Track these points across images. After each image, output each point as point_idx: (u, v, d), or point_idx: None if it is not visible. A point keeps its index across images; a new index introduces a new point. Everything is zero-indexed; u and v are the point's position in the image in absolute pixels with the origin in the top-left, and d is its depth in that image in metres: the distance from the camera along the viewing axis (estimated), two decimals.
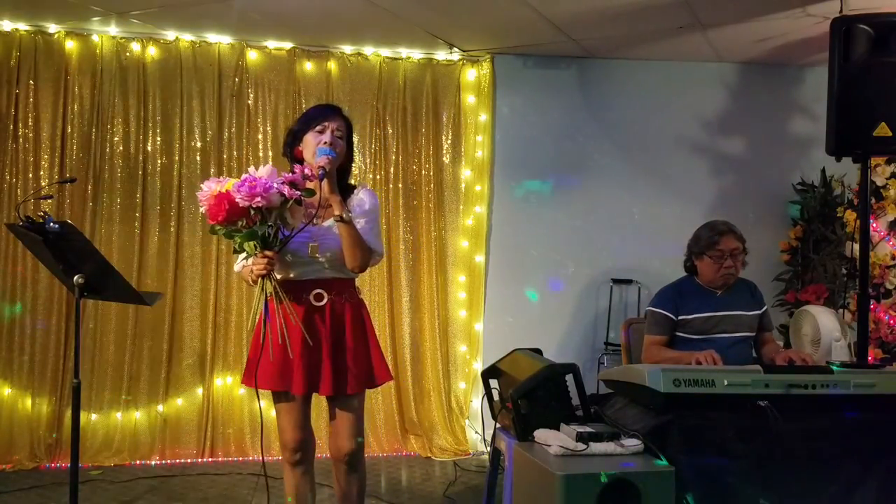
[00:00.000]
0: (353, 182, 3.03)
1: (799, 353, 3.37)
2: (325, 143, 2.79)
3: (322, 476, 4.14)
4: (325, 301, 2.80)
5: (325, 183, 2.74)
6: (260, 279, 2.66)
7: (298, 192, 2.62)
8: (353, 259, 2.78)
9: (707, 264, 3.50)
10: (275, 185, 2.57)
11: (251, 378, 2.77)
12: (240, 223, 2.59)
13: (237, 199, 2.53)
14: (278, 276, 2.77)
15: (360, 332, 2.86)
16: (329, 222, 2.81)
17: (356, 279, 2.95)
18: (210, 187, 2.62)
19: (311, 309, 2.79)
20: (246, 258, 2.74)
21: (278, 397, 2.86)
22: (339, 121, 2.88)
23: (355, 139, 4.97)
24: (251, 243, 2.61)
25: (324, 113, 2.90)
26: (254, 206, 2.54)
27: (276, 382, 2.79)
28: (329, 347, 2.78)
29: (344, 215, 2.74)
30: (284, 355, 2.74)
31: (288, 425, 2.85)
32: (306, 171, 2.70)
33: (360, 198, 2.88)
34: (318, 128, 2.83)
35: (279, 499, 4.10)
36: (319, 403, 3.07)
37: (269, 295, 2.67)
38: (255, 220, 2.58)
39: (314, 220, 2.77)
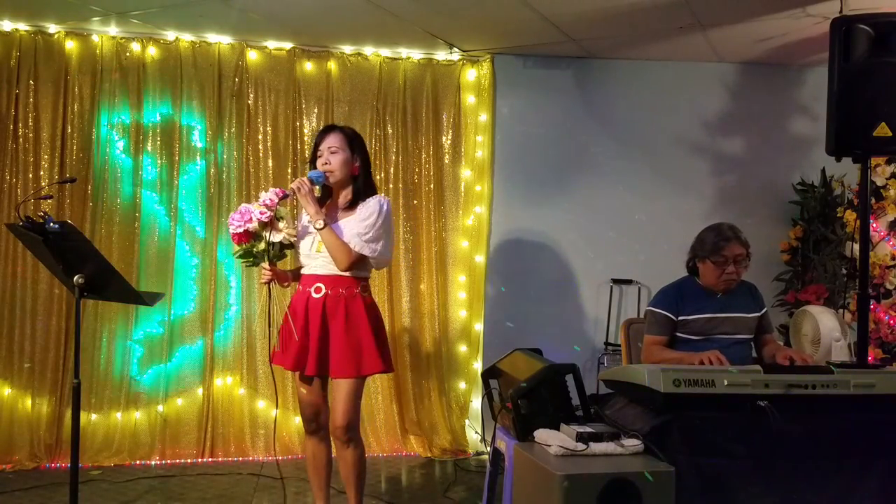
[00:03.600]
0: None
1: (800, 352, 3.37)
2: (320, 166, 3.26)
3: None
4: (322, 294, 3.20)
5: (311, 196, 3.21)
6: (266, 286, 3.23)
7: (271, 213, 3.11)
8: (335, 260, 3.18)
9: (709, 269, 3.49)
10: (252, 211, 3.08)
11: (275, 360, 3.35)
12: (243, 244, 3.14)
13: (230, 229, 3.11)
14: (302, 271, 3.31)
15: (352, 325, 3.20)
16: (341, 223, 3.23)
17: (360, 277, 3.28)
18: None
19: (311, 300, 3.22)
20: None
21: (297, 376, 3.34)
22: (330, 137, 3.27)
23: None
24: (249, 258, 3.15)
25: (320, 136, 3.31)
26: (236, 232, 3.09)
27: (286, 364, 3.28)
28: (317, 335, 3.18)
29: (315, 224, 3.16)
30: (292, 342, 3.23)
31: (304, 399, 3.34)
32: (280, 193, 3.16)
33: (368, 205, 3.23)
34: (317, 153, 3.28)
35: (278, 499, 4.11)
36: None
37: (270, 301, 3.24)
38: (251, 240, 3.12)
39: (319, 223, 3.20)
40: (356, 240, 3.17)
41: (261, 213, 3.08)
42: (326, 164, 3.23)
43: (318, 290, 3.21)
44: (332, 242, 3.16)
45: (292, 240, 3.21)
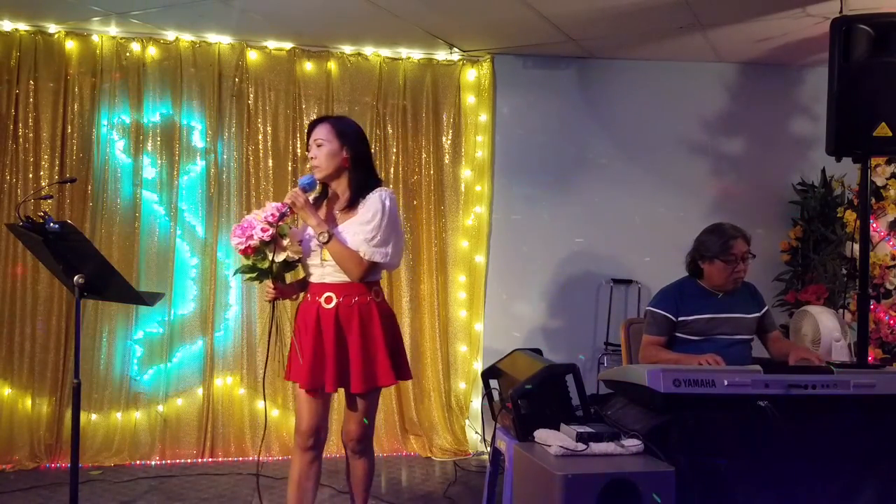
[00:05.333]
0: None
1: (815, 354, 3.34)
2: (308, 166, 3.06)
3: (324, 477, 4.14)
4: (333, 304, 2.98)
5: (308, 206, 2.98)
6: (270, 304, 3.05)
7: (274, 230, 2.88)
8: (346, 272, 2.98)
9: (719, 268, 3.49)
10: (256, 227, 2.87)
11: (289, 375, 3.15)
12: (249, 259, 2.94)
13: (234, 245, 2.91)
14: (308, 280, 3.09)
15: (366, 335, 2.99)
16: (341, 227, 2.99)
17: (371, 282, 3.05)
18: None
19: (322, 311, 2.99)
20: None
21: (300, 391, 3.06)
22: (317, 130, 3.03)
23: None
24: (252, 274, 2.95)
25: (308, 130, 3.08)
26: (240, 249, 2.89)
27: (300, 380, 3.03)
28: (333, 349, 2.96)
29: (320, 238, 2.94)
30: (308, 356, 3.00)
31: (305, 413, 3.05)
32: (282, 207, 2.93)
33: (368, 203, 2.98)
34: (308, 149, 3.05)
35: (278, 499, 4.11)
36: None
37: (275, 317, 3.08)
38: (256, 255, 2.92)
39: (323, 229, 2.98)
40: (364, 247, 2.92)
41: (262, 230, 2.87)
42: (313, 158, 3.00)
43: (328, 300, 2.98)
44: (340, 254, 2.93)
45: (297, 257, 2.98)
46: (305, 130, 4.95)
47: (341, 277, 2.98)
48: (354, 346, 2.97)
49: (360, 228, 2.94)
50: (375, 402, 3.15)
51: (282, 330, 3.14)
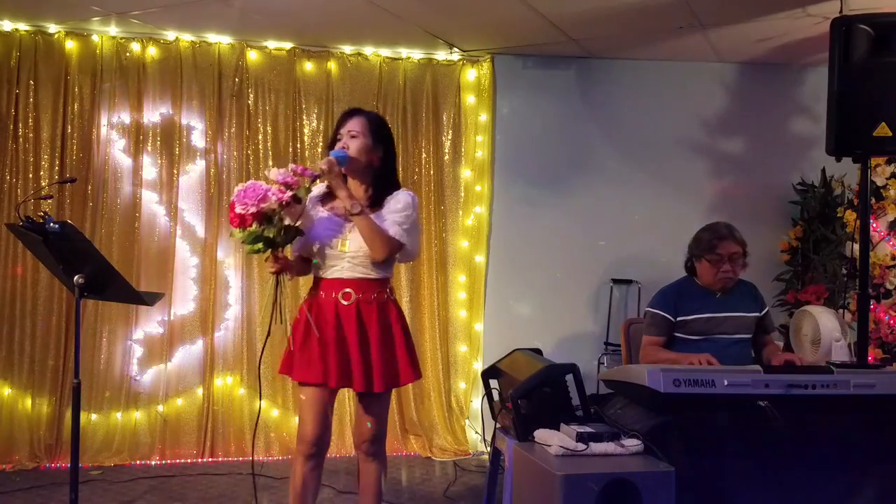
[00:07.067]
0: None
1: (794, 356, 3.36)
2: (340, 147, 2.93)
3: (324, 477, 4.14)
4: (352, 300, 2.88)
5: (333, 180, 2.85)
6: (273, 277, 2.84)
7: (291, 193, 2.73)
8: (372, 249, 2.85)
9: (706, 267, 3.51)
10: (269, 189, 2.69)
11: (287, 368, 2.96)
12: (254, 226, 2.71)
13: (236, 208, 2.68)
14: (321, 274, 2.93)
15: (386, 333, 2.92)
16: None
17: (388, 279, 2.98)
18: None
19: (340, 308, 2.88)
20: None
21: (305, 390, 2.92)
22: (352, 121, 2.96)
23: None
24: (258, 245, 2.73)
25: (341, 120, 3.01)
26: (249, 212, 2.67)
27: (310, 375, 2.88)
28: (358, 347, 2.87)
29: (352, 209, 2.82)
30: (320, 350, 2.86)
31: (309, 418, 2.90)
32: (300, 169, 2.79)
33: (397, 197, 2.93)
34: (337, 137, 2.97)
35: (278, 499, 4.11)
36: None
37: (279, 294, 2.85)
38: (262, 223, 2.71)
39: (345, 215, 2.88)
40: (395, 228, 2.86)
41: (280, 191, 2.70)
42: (345, 147, 2.91)
43: (347, 296, 2.87)
44: (371, 228, 2.81)
45: (299, 225, 2.85)
46: (306, 131, 4.93)
47: (360, 272, 2.89)
48: (375, 344, 2.89)
49: (388, 217, 2.89)
50: (389, 402, 3.09)
51: (286, 310, 2.94)
